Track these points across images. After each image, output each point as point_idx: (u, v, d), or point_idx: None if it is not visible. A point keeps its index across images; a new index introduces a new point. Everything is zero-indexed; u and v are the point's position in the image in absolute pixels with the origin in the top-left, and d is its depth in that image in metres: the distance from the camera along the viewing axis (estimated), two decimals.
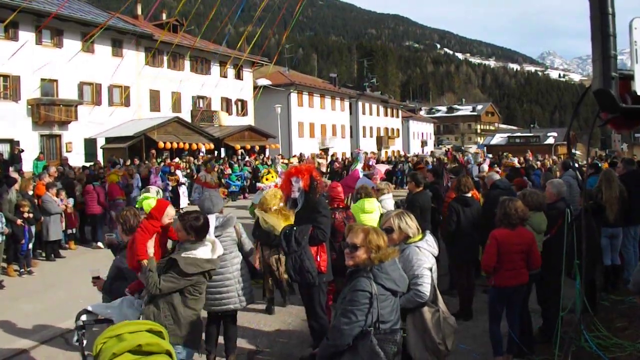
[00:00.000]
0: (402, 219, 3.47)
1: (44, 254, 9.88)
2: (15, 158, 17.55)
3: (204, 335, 4.59)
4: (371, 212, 6.01)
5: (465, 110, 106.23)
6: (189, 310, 3.44)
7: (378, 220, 5.90)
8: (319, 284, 4.55)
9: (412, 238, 3.44)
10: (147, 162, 18.49)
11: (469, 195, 6.17)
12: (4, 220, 8.04)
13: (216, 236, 4.41)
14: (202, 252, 3.47)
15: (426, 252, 3.38)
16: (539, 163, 18.70)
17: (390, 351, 2.65)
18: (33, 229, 9.13)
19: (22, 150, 18.19)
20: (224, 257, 4.45)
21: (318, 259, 4.50)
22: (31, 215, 8.69)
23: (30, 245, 8.86)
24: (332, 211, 5.34)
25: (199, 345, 3.74)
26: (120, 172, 13.04)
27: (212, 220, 4.54)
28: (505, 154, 24.13)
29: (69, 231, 10.61)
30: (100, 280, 4.05)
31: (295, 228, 4.49)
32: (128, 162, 17.34)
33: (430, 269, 3.35)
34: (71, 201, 10.58)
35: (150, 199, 3.98)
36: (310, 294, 4.62)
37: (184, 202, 15.61)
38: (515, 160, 17.78)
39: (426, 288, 3.22)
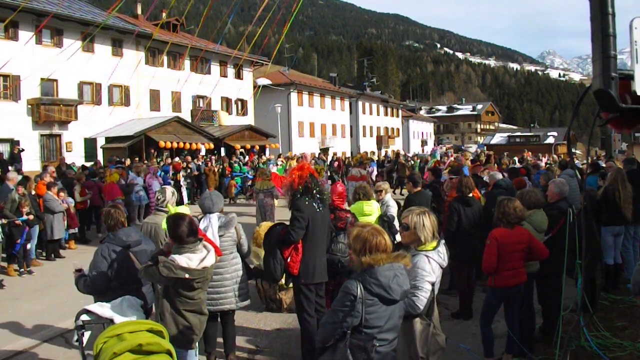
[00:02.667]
0: (421, 219, 3.26)
1: (44, 254, 9.87)
2: (15, 158, 17.54)
3: (202, 336, 4.60)
4: (370, 214, 5.95)
5: (465, 109, 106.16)
6: (174, 311, 3.49)
7: (375, 222, 5.88)
8: (298, 286, 4.50)
9: (424, 245, 3.25)
10: (147, 161, 18.49)
11: (470, 195, 6.16)
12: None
13: (219, 236, 4.44)
14: (184, 258, 3.38)
15: (435, 264, 3.22)
16: (540, 162, 18.79)
17: (360, 358, 2.62)
18: (37, 228, 9.14)
19: (22, 150, 18.18)
20: (224, 258, 4.45)
21: (288, 260, 4.43)
22: (31, 216, 8.69)
23: (29, 246, 8.83)
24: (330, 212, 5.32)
25: (191, 346, 3.72)
26: (120, 172, 13.01)
27: (215, 220, 4.53)
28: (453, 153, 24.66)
29: (71, 231, 10.60)
30: (80, 272, 4.07)
31: (277, 227, 4.60)
32: (128, 162, 17.32)
33: (433, 283, 3.20)
34: (72, 201, 10.57)
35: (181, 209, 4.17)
36: (293, 296, 4.70)
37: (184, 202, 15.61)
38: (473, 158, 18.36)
39: (422, 302, 3.10)
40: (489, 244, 4.33)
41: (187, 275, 3.36)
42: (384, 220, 5.90)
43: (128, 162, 17.25)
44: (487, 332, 4.50)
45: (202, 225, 4.38)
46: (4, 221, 8.19)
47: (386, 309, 2.68)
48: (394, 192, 17.75)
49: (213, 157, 21.61)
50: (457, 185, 6.31)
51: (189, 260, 3.40)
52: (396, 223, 6.13)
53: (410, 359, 3.17)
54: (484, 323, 4.52)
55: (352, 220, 5.24)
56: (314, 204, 4.48)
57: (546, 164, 18.15)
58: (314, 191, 4.52)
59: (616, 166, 8.84)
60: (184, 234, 3.41)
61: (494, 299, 4.47)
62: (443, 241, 3.37)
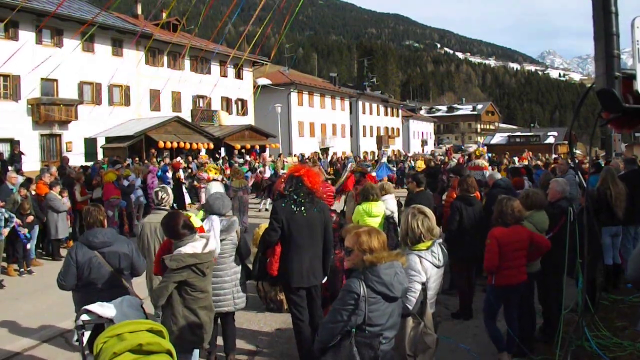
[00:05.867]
0: (410, 221, 3.29)
1: (44, 253, 9.85)
2: (15, 158, 17.56)
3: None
4: (378, 215, 5.94)
5: (465, 109, 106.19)
6: (187, 310, 3.51)
7: (379, 223, 5.87)
8: (284, 289, 4.53)
9: (417, 244, 3.27)
10: (147, 161, 18.47)
11: (472, 194, 6.15)
12: (6, 215, 8.05)
13: (221, 240, 4.39)
14: (189, 247, 3.49)
15: (427, 264, 3.22)
16: (539, 162, 18.79)
17: (367, 355, 2.63)
18: (36, 228, 9.12)
19: (23, 154, 18.21)
20: (223, 261, 4.45)
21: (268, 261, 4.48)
22: (31, 217, 8.68)
23: (29, 246, 8.81)
24: None
25: (201, 345, 3.74)
26: (117, 172, 12.97)
27: (217, 223, 4.48)
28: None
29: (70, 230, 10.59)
30: None
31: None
32: (129, 162, 17.30)
33: (424, 283, 3.20)
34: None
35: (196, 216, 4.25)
36: None
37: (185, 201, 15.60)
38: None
39: (411, 302, 3.12)
40: (490, 243, 4.32)
41: (197, 260, 3.46)
42: (390, 222, 5.89)
43: (129, 162, 17.24)
44: (494, 329, 4.49)
45: (205, 227, 4.35)
46: (18, 221, 8.19)
47: (388, 306, 2.71)
48: None
49: (222, 157, 21.63)
50: (461, 185, 6.26)
51: (194, 247, 3.51)
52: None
53: (399, 357, 3.18)
54: (488, 322, 4.51)
55: (336, 219, 5.21)
56: (293, 206, 4.35)
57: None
58: (289, 193, 4.40)
59: (616, 164, 8.82)
60: (179, 227, 3.54)
61: (494, 297, 4.47)
62: (439, 241, 3.36)
